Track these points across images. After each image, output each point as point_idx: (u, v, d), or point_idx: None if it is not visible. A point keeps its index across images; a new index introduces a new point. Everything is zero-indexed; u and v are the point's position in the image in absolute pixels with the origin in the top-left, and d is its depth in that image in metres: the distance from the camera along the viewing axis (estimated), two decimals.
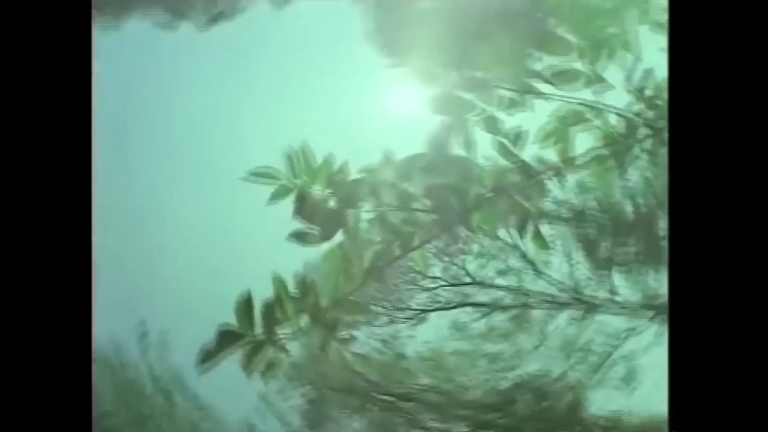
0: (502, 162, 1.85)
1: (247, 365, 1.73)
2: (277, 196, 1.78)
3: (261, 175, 1.77)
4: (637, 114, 1.85)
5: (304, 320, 1.79)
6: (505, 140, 1.81)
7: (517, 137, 1.83)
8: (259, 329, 1.71)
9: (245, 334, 1.70)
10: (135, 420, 2.33)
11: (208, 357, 1.67)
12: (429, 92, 1.77)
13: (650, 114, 1.86)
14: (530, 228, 1.95)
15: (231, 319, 1.70)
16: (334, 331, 1.82)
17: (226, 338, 1.67)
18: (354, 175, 1.80)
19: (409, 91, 1.79)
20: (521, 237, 1.93)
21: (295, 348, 1.78)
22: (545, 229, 2.03)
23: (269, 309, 1.73)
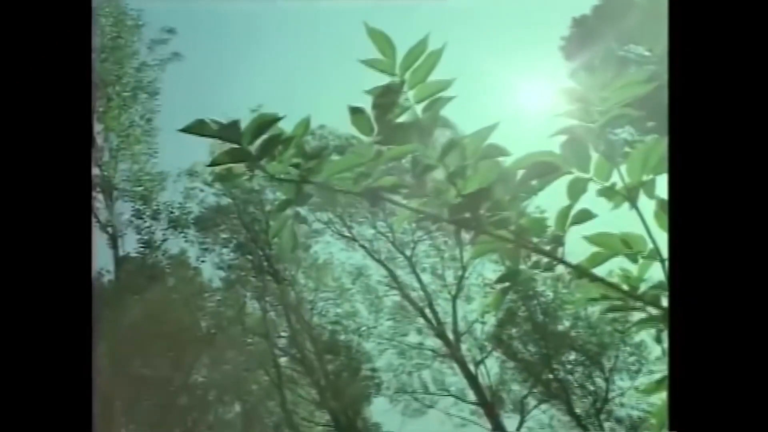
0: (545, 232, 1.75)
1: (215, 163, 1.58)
2: (373, 65, 1.61)
3: (376, 39, 1.58)
4: None
5: (286, 172, 1.65)
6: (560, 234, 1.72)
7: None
8: (253, 149, 1.57)
9: (240, 143, 1.55)
10: None
11: (213, 163, 1.54)
12: (564, 131, 1.63)
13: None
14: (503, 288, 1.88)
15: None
16: (297, 203, 1.70)
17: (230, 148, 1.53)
18: (447, 116, 1.64)
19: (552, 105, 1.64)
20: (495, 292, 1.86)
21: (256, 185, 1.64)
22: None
23: (274, 141, 1.58)
